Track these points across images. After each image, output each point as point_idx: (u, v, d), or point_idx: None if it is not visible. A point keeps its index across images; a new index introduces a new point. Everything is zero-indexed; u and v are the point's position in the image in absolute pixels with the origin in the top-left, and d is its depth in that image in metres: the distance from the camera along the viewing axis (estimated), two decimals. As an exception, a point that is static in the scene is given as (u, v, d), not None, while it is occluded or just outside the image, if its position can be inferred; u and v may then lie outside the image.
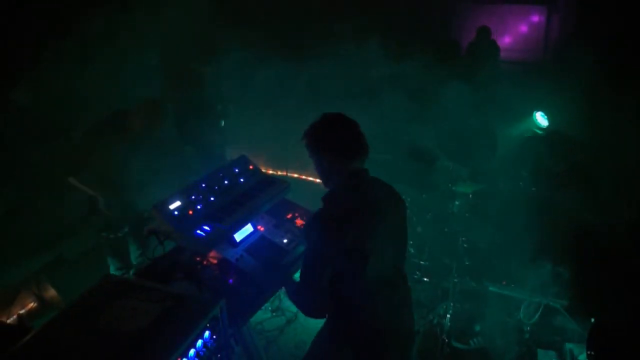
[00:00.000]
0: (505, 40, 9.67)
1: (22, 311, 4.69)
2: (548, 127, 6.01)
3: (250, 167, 3.76)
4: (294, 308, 5.07)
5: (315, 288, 2.54)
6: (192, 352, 2.34)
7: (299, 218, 3.61)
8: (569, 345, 4.15)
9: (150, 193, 4.43)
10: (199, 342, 2.40)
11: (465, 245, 4.98)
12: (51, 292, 4.84)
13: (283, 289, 4.92)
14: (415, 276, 5.23)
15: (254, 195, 3.50)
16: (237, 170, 3.67)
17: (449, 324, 4.55)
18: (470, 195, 5.21)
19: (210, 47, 6.52)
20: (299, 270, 2.65)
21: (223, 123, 6.40)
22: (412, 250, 5.36)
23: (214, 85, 5.98)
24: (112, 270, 4.67)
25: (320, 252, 2.48)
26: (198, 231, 3.08)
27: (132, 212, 4.47)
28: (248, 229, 3.41)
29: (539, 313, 4.45)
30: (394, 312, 2.71)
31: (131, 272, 4.54)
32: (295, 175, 7.68)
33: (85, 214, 4.50)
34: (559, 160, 4.21)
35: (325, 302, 2.61)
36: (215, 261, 3.18)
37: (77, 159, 4.27)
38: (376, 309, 2.62)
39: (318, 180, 7.46)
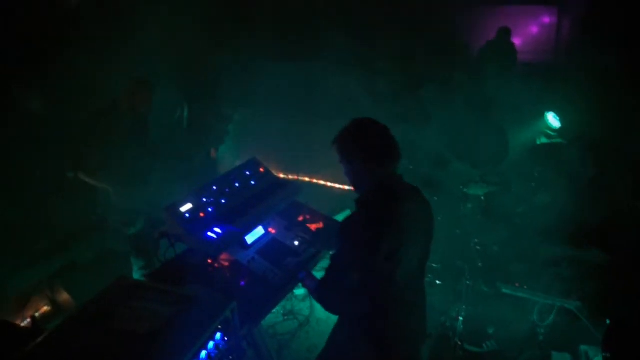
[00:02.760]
0: (516, 42, 9.60)
1: (35, 314, 4.73)
2: (561, 128, 5.98)
3: (261, 169, 3.77)
4: (306, 312, 5.07)
5: (340, 287, 2.56)
6: (203, 353, 2.35)
7: (310, 220, 3.61)
8: (583, 348, 4.11)
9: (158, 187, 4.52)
10: (211, 344, 2.41)
11: (477, 248, 4.95)
12: (65, 296, 4.88)
13: (295, 292, 4.94)
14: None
15: (265, 197, 3.50)
16: (248, 172, 3.68)
17: (461, 326, 4.52)
18: (483, 198, 5.19)
19: (221, 51, 6.57)
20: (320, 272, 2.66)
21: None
22: (425, 253, 5.33)
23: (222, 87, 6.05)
24: (136, 270, 4.70)
25: (351, 254, 2.49)
26: (209, 233, 3.09)
27: (142, 205, 4.52)
28: (259, 231, 3.42)
29: (553, 315, 4.41)
30: (413, 312, 2.73)
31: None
32: (307, 179, 7.69)
33: (101, 213, 4.56)
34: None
35: (348, 300, 2.61)
36: (226, 263, 3.18)
37: (78, 151, 4.37)
38: (399, 310, 2.63)
39: (330, 184, 7.56)
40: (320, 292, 2.74)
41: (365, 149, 2.55)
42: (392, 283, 2.53)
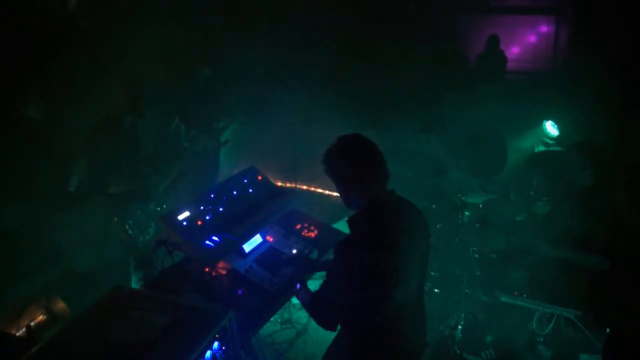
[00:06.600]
0: (514, 51, 9.64)
1: (31, 323, 4.68)
2: (559, 136, 5.98)
3: (259, 177, 3.76)
4: (303, 320, 5.04)
5: (332, 306, 2.53)
6: (201, 363, 2.33)
7: (307, 228, 3.59)
8: (583, 357, 4.08)
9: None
10: (208, 353, 2.39)
11: (476, 256, 4.92)
12: (60, 305, 4.84)
13: (292, 300, 4.92)
14: (426, 287, 5.16)
15: (262, 205, 3.49)
16: (246, 180, 3.67)
17: (460, 335, 4.49)
18: (481, 206, 5.17)
19: (217, 57, 6.58)
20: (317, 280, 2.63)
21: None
22: (423, 262, 5.31)
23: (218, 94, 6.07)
24: (134, 281, 4.68)
25: (346, 278, 2.42)
26: (207, 242, 3.08)
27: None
28: (257, 239, 3.40)
29: (552, 324, 4.39)
30: (414, 331, 2.67)
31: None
32: (304, 187, 7.67)
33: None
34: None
35: (340, 317, 2.57)
36: (224, 272, 3.17)
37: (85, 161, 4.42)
38: (399, 330, 2.57)
39: (327, 192, 7.53)
40: (313, 307, 2.70)
41: (353, 168, 2.48)
42: (389, 304, 2.44)
